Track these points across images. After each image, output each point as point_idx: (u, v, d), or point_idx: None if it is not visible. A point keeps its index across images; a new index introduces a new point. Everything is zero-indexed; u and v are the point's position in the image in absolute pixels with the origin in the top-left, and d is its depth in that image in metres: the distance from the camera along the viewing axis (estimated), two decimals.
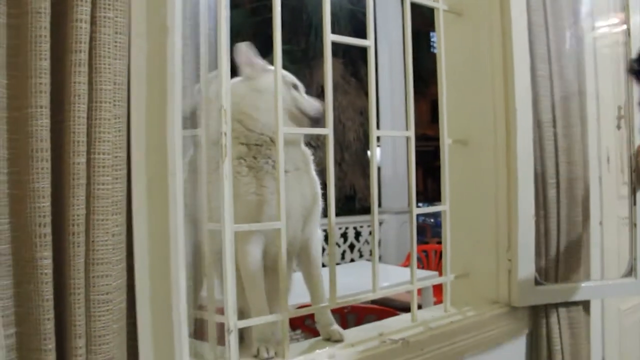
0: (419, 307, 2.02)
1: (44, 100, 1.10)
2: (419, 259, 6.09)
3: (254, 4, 10.77)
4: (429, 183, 18.97)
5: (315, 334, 1.76)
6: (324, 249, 1.89)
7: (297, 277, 1.80)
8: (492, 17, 2.10)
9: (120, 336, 1.23)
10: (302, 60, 9.89)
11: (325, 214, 1.72)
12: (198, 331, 1.42)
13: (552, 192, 2.11)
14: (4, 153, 1.09)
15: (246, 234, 1.59)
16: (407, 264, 5.61)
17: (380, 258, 7.38)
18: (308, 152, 1.78)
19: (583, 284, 2.17)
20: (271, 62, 1.58)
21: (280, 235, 1.55)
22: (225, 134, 1.41)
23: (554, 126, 2.11)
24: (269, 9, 1.57)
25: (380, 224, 8.26)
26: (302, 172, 1.73)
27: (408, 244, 2.01)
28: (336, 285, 1.71)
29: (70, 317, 1.13)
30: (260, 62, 1.74)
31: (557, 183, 2.12)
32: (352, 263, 7.14)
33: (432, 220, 11.59)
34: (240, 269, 1.57)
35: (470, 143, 2.19)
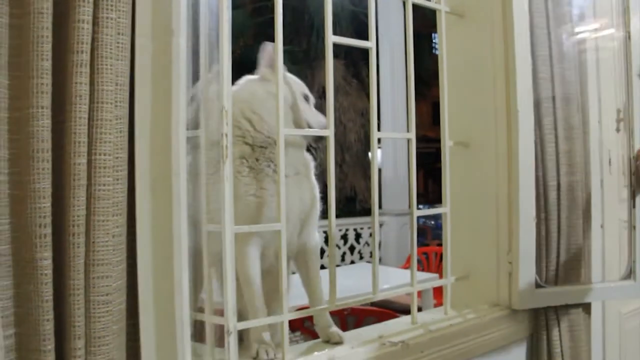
0: (419, 309, 2.01)
1: (45, 100, 1.10)
2: (419, 261, 6.08)
3: (256, 4, 10.77)
4: (429, 185, 19.00)
5: (315, 336, 1.76)
6: (324, 251, 1.89)
7: (296, 279, 1.80)
8: (494, 19, 2.10)
9: (120, 337, 1.22)
10: (303, 61, 9.89)
11: (325, 215, 1.72)
12: (197, 333, 1.41)
13: (552, 195, 2.11)
14: (4, 153, 1.09)
15: (245, 236, 1.59)
16: (407, 266, 5.61)
17: (380, 260, 7.40)
18: (309, 157, 1.78)
19: (583, 287, 2.17)
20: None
21: (279, 237, 1.54)
22: (226, 135, 1.41)
23: (555, 128, 2.10)
24: (271, 9, 1.57)
25: (381, 225, 8.26)
26: (302, 177, 1.73)
27: (408, 246, 2.01)
28: (336, 287, 1.70)
29: (70, 318, 1.13)
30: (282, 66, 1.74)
31: (558, 186, 2.12)
32: (352, 265, 7.14)
33: (432, 222, 11.60)
34: (238, 271, 1.57)
35: (472, 145, 2.19)
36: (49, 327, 1.09)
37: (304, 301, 1.79)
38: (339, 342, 1.71)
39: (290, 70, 1.76)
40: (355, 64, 10.75)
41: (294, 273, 1.81)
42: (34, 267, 1.09)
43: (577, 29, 2.19)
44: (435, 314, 2.08)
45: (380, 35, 7.82)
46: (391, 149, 8.29)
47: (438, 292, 4.47)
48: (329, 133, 1.68)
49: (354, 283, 3.54)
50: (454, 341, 1.94)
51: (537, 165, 2.08)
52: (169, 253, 1.32)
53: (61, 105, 1.14)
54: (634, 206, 2.22)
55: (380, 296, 1.84)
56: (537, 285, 2.11)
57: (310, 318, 1.79)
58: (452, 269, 2.08)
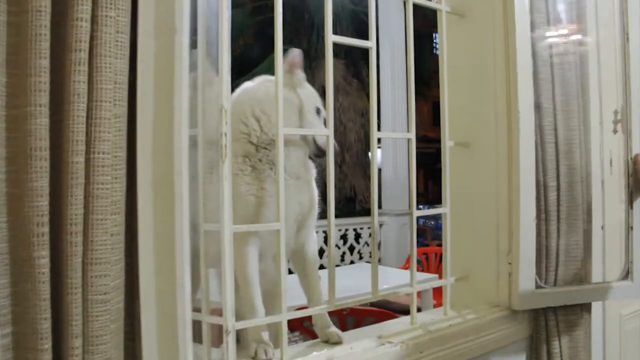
0: (419, 310, 2.01)
1: (44, 98, 1.10)
2: (419, 262, 6.09)
3: (255, 3, 10.79)
4: (429, 185, 19.02)
5: (314, 336, 1.76)
6: (323, 251, 1.89)
7: (294, 279, 1.80)
8: (495, 19, 2.09)
9: (118, 336, 1.22)
10: (303, 60, 9.89)
11: (324, 215, 1.72)
12: (195, 333, 1.41)
13: (552, 196, 2.10)
14: (2, 151, 1.08)
15: (245, 236, 1.59)
16: (407, 266, 5.61)
17: (380, 260, 7.41)
18: (311, 163, 1.78)
19: (581, 287, 2.16)
20: (272, 62, 1.57)
21: (278, 236, 1.54)
22: (225, 134, 1.41)
23: (555, 129, 2.10)
24: (270, 8, 1.56)
25: (381, 226, 8.27)
26: (302, 182, 1.73)
27: (408, 246, 2.01)
28: (335, 287, 1.70)
29: (67, 316, 1.12)
30: (301, 74, 1.76)
31: (558, 186, 2.11)
32: (352, 265, 7.15)
33: (432, 222, 11.61)
34: (237, 270, 1.57)
35: (472, 145, 2.18)
36: (46, 326, 1.09)
37: (303, 301, 1.78)
38: (337, 342, 1.70)
39: None
40: (355, 63, 10.77)
41: (291, 273, 1.81)
42: (31, 266, 1.08)
43: (578, 29, 2.19)
44: (434, 315, 2.07)
45: (380, 34, 7.84)
46: (391, 149, 8.31)
47: (438, 292, 4.47)
48: (329, 133, 1.68)
49: (353, 283, 3.54)
50: (453, 342, 1.93)
51: (537, 166, 2.08)
52: (171, 253, 1.31)
53: (59, 104, 1.14)
54: (631, 207, 2.22)
55: (379, 296, 1.84)
56: (537, 286, 2.10)
57: (309, 318, 1.78)
58: (451, 270, 2.07)
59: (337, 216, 1.71)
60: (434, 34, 12.38)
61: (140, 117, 1.29)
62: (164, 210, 1.31)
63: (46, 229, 1.10)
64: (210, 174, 1.48)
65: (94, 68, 1.16)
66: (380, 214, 8.05)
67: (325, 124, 1.72)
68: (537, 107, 2.07)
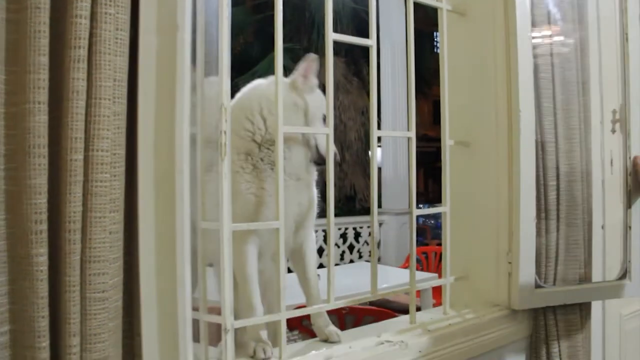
0: (418, 309, 2.00)
1: (42, 96, 1.09)
2: (418, 261, 6.08)
3: (255, 1, 10.78)
4: (430, 184, 19.01)
5: (313, 335, 1.75)
6: (322, 250, 1.89)
7: (292, 278, 1.79)
8: (496, 18, 2.08)
9: (116, 335, 1.22)
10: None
11: (324, 214, 1.72)
12: (193, 332, 1.41)
13: (552, 195, 2.10)
14: (1, 149, 1.08)
15: (244, 234, 1.59)
16: (406, 265, 5.60)
17: (379, 259, 7.40)
18: (313, 167, 1.78)
19: (579, 287, 2.16)
20: (272, 60, 1.57)
21: (277, 235, 1.54)
22: (225, 132, 1.40)
23: (555, 128, 2.10)
24: (271, 6, 1.55)
25: (380, 225, 8.26)
26: (302, 184, 1.73)
27: (408, 245, 2.01)
28: (334, 286, 1.70)
29: (65, 314, 1.12)
30: (315, 80, 1.76)
31: (558, 185, 2.11)
32: (352, 264, 7.14)
33: (432, 221, 11.59)
34: (235, 269, 1.56)
35: (472, 144, 2.18)
36: (44, 324, 1.09)
37: (302, 300, 1.78)
38: (336, 341, 1.70)
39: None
40: (355, 62, 10.76)
41: (290, 272, 1.81)
42: (29, 263, 1.08)
43: (580, 27, 2.18)
44: (434, 314, 2.07)
45: (381, 33, 7.83)
46: (391, 148, 8.30)
47: (437, 292, 4.47)
48: (328, 131, 1.67)
49: (353, 282, 3.54)
50: (452, 341, 1.93)
51: (537, 165, 2.07)
52: (172, 251, 1.31)
53: (58, 101, 1.13)
54: (629, 206, 2.22)
55: (378, 295, 1.84)
56: (537, 286, 2.10)
57: (308, 317, 1.78)
58: (451, 269, 2.07)
59: (336, 215, 1.71)
60: (434, 33, 12.37)
61: (141, 115, 1.28)
62: (165, 208, 1.30)
63: (44, 226, 1.10)
64: (207, 173, 1.48)
65: (93, 65, 1.16)
66: (380, 213, 8.05)
67: (339, 145, 1.72)
68: (537, 105, 2.07)
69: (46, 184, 1.10)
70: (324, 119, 1.75)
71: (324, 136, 1.70)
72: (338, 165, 1.72)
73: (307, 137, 1.73)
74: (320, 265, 1.85)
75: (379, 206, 8.01)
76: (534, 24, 2.06)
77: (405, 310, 2.00)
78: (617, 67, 2.24)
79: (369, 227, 7.82)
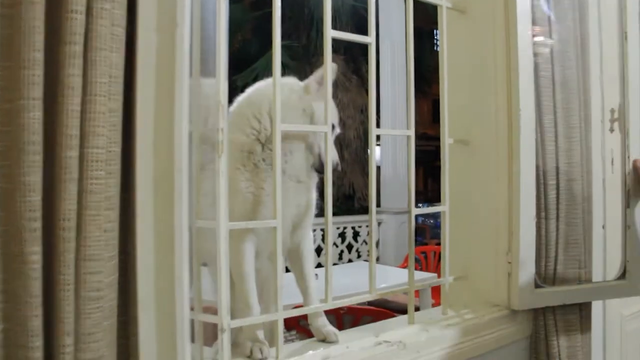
0: (417, 309, 1.99)
1: (37, 92, 1.08)
2: (417, 260, 6.08)
3: None
4: (429, 183, 19.01)
5: (311, 335, 1.75)
6: (321, 249, 1.88)
7: (290, 277, 1.78)
8: (496, 15, 2.08)
9: (111, 334, 1.20)
10: (302, 56, 9.86)
11: (322, 213, 1.71)
12: (190, 332, 1.39)
13: (552, 194, 2.09)
14: None
15: (241, 233, 1.58)
16: (405, 265, 5.60)
17: (378, 259, 7.40)
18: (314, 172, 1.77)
19: (578, 287, 2.15)
20: (270, 59, 1.56)
21: (275, 234, 1.53)
22: (222, 130, 1.39)
23: (555, 127, 2.09)
24: (269, 3, 1.54)
25: (379, 224, 8.26)
26: (302, 186, 1.72)
27: (407, 244, 2.00)
28: (332, 286, 1.69)
29: (59, 313, 1.10)
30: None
31: (557, 185, 2.10)
32: (350, 263, 7.14)
33: (431, 221, 11.57)
34: (232, 267, 1.55)
35: (472, 143, 2.17)
36: (37, 323, 1.07)
37: (300, 299, 1.77)
38: (334, 341, 1.69)
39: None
40: (355, 59, 10.74)
41: (288, 271, 1.80)
42: (22, 262, 1.06)
43: (580, 26, 2.17)
44: (433, 314, 2.06)
45: (381, 31, 7.82)
46: (390, 147, 8.30)
47: (436, 292, 4.46)
48: (327, 129, 1.66)
49: (351, 282, 3.53)
50: (451, 342, 1.92)
51: (537, 164, 2.07)
52: (170, 250, 1.30)
53: (53, 97, 1.11)
54: (628, 206, 2.21)
55: (376, 295, 1.83)
56: (537, 286, 2.09)
57: (305, 317, 1.77)
58: (450, 269, 2.06)
59: (335, 214, 1.70)
60: (434, 31, 12.36)
61: (140, 112, 1.27)
62: (164, 206, 1.29)
63: (38, 224, 1.08)
64: (201, 171, 1.46)
65: (88, 61, 1.14)
66: (379, 212, 8.04)
67: (338, 144, 1.71)
68: (538, 104, 2.06)
69: (40, 181, 1.08)
70: (332, 127, 1.74)
71: (331, 147, 1.70)
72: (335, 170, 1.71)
73: (312, 143, 1.71)
74: (319, 265, 1.84)
75: (378, 205, 7.98)
76: (534, 22, 2.05)
77: (404, 310, 1.99)
78: (617, 66, 2.24)
79: (367, 226, 7.82)
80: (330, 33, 1.65)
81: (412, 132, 1.90)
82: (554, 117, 2.08)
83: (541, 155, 2.07)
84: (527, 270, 2.07)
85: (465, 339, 1.96)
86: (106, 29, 1.16)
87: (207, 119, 1.44)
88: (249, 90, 1.74)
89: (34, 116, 1.07)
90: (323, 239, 1.67)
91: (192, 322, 1.42)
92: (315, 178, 1.76)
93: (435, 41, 13.48)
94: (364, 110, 10.31)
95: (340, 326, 2.40)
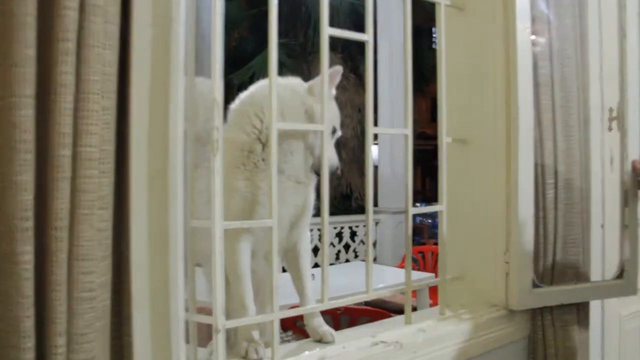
0: (415, 309, 1.98)
1: (29, 89, 1.06)
2: (415, 260, 6.07)
3: None
4: (427, 183, 19.00)
5: (307, 335, 1.74)
6: (318, 249, 1.87)
7: (286, 277, 1.77)
8: (495, 13, 2.07)
9: (104, 335, 1.19)
10: (299, 55, 9.84)
11: (319, 213, 1.69)
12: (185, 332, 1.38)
13: (550, 193, 2.09)
14: None
15: (237, 232, 1.57)
16: (403, 265, 5.59)
17: (375, 259, 7.39)
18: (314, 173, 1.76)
19: (575, 287, 2.15)
20: (267, 57, 1.54)
21: (271, 233, 1.51)
22: (218, 128, 1.38)
23: (554, 125, 2.08)
24: (266, 0, 1.53)
25: (377, 224, 8.25)
26: (301, 187, 1.71)
27: (404, 244, 1.99)
28: (328, 286, 1.68)
29: (51, 314, 1.09)
30: (333, 91, 1.75)
31: (556, 184, 2.09)
32: (347, 263, 7.13)
33: (429, 220, 11.55)
34: (228, 267, 1.54)
35: (470, 142, 2.16)
36: (29, 324, 1.06)
37: (296, 299, 1.76)
38: (330, 342, 1.68)
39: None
40: (353, 58, 10.70)
41: (284, 271, 1.79)
42: (14, 262, 1.05)
43: (580, 23, 2.17)
44: (430, 314, 2.05)
45: (379, 30, 7.81)
46: (388, 146, 8.28)
47: (434, 292, 4.45)
48: (324, 128, 1.65)
49: (348, 282, 3.52)
50: (448, 342, 1.91)
51: (536, 163, 2.06)
52: (165, 250, 1.28)
53: (45, 95, 1.10)
54: (626, 205, 2.21)
55: (373, 295, 1.82)
56: (534, 285, 2.08)
57: (302, 317, 1.76)
58: (448, 269, 2.05)
59: (332, 214, 1.69)
60: (433, 29, 12.34)
61: (134, 110, 1.25)
62: (159, 205, 1.28)
63: (30, 223, 1.07)
64: (195, 170, 1.45)
65: (81, 59, 1.13)
66: (376, 212, 8.03)
67: (339, 144, 1.71)
68: (536, 103, 2.05)
69: (32, 180, 1.07)
70: (333, 130, 1.73)
71: (331, 150, 1.70)
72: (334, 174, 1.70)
73: (312, 144, 1.70)
74: (316, 265, 1.83)
75: (376, 205, 8.00)
76: (533, 20, 2.05)
77: (401, 311, 1.98)
78: (616, 64, 2.23)
79: (365, 226, 7.82)
80: (327, 31, 1.64)
81: (409, 131, 1.89)
82: (552, 116, 2.07)
83: (540, 154, 2.06)
84: (525, 270, 2.06)
85: (463, 339, 1.95)
86: (99, 26, 1.15)
87: (202, 117, 1.43)
88: (252, 89, 1.73)
89: (26, 114, 1.06)
90: (320, 239, 1.66)
91: (186, 322, 1.41)
92: (314, 179, 1.75)
93: (433, 39, 13.46)
94: (362, 109, 10.29)
95: (337, 327, 2.39)
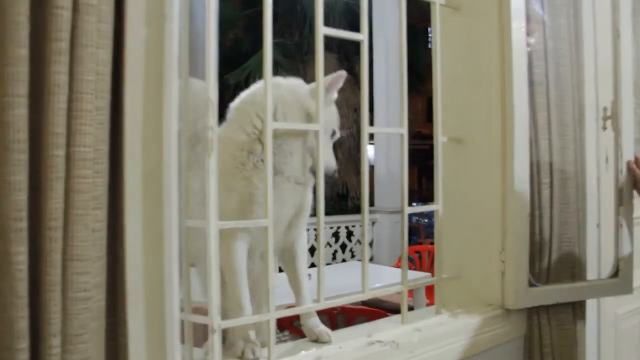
0: (411, 308, 1.98)
1: (22, 89, 1.05)
2: (411, 260, 6.06)
3: None
4: (423, 182, 19.00)
5: (304, 335, 1.73)
6: (314, 249, 1.87)
7: (284, 277, 1.77)
8: (490, 13, 2.07)
9: (99, 335, 1.18)
10: (295, 55, 9.82)
11: (315, 213, 1.69)
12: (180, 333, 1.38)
13: (545, 192, 2.09)
14: None
15: (234, 231, 1.56)
16: (399, 264, 5.59)
17: (372, 259, 7.38)
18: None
19: (570, 285, 2.15)
20: (261, 58, 1.53)
21: (267, 233, 1.51)
22: (212, 128, 1.38)
23: (549, 124, 2.09)
24: (261, 0, 1.52)
25: (373, 223, 8.24)
26: (300, 187, 1.71)
27: (400, 244, 1.99)
28: (324, 286, 1.67)
29: (46, 315, 1.08)
30: (335, 96, 1.76)
31: (551, 183, 2.10)
32: (344, 263, 7.11)
33: (425, 220, 11.55)
34: (224, 266, 1.54)
35: (466, 141, 2.16)
36: (23, 325, 1.05)
37: (293, 299, 1.76)
38: (327, 342, 1.68)
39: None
40: (349, 58, 10.68)
41: (280, 271, 1.79)
42: (8, 262, 1.04)
43: (574, 22, 2.17)
44: (426, 314, 2.05)
45: (375, 29, 7.81)
46: (384, 146, 8.28)
47: (431, 291, 4.45)
48: (319, 127, 1.65)
49: (345, 282, 3.51)
50: (444, 341, 1.91)
51: (531, 162, 2.06)
52: (160, 249, 1.28)
53: (38, 95, 1.09)
54: (621, 204, 2.21)
55: (369, 295, 1.81)
56: (530, 284, 2.08)
57: (298, 317, 1.76)
58: (444, 268, 2.05)
59: (328, 213, 1.69)
60: (429, 29, 12.34)
61: (128, 110, 1.25)
62: (153, 205, 1.28)
63: (24, 224, 1.06)
64: (189, 170, 1.45)
65: (75, 58, 1.12)
66: (372, 212, 8.03)
67: (336, 146, 1.71)
68: (531, 102, 2.05)
69: (26, 180, 1.06)
70: (333, 133, 1.73)
71: (329, 153, 1.72)
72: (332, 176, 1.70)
73: (312, 146, 1.69)
74: (312, 265, 1.82)
75: (372, 204, 7.99)
76: (528, 19, 2.05)
77: (398, 310, 1.97)
78: (610, 64, 2.24)
79: (361, 225, 7.82)
80: (322, 30, 1.63)
81: (405, 130, 1.88)
82: (547, 115, 2.08)
83: (535, 153, 2.06)
84: (520, 269, 2.06)
85: (459, 338, 1.95)
86: (93, 25, 1.14)
87: (197, 117, 1.42)
88: (253, 88, 1.72)
89: (19, 114, 1.05)
90: (316, 239, 1.65)
91: (181, 322, 1.40)
92: (312, 180, 1.75)
93: (429, 39, 13.45)
94: (357, 109, 10.25)
95: (334, 326, 2.38)
